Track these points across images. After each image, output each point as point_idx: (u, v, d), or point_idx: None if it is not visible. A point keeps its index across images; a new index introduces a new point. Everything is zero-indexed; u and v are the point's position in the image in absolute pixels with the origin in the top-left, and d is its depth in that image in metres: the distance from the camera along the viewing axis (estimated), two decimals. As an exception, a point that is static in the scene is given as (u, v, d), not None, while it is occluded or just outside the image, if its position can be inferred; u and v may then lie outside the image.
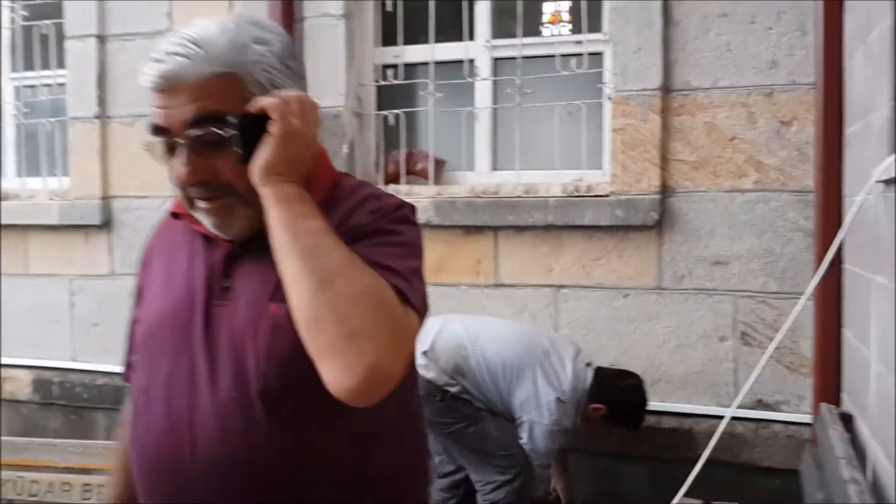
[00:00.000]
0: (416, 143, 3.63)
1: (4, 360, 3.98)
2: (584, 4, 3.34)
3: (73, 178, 3.93)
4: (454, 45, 3.52)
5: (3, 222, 4.01)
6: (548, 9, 3.55)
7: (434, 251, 3.28)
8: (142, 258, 1.28)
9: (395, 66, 3.56)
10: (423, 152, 3.58)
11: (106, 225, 3.89)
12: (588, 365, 2.89)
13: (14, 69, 4.20)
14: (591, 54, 3.30)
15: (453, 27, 3.51)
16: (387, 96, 3.63)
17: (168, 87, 1.03)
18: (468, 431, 2.86)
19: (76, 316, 4.00)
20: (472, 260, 3.36)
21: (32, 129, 4.15)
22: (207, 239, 1.14)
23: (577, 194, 3.24)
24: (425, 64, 3.53)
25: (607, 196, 3.16)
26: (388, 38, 3.61)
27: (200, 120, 1.03)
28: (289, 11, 3.48)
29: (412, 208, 1.16)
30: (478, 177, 3.53)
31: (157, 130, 1.06)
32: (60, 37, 3.97)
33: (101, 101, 3.83)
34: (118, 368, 1.31)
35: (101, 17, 3.81)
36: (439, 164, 3.57)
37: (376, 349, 0.91)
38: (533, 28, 3.49)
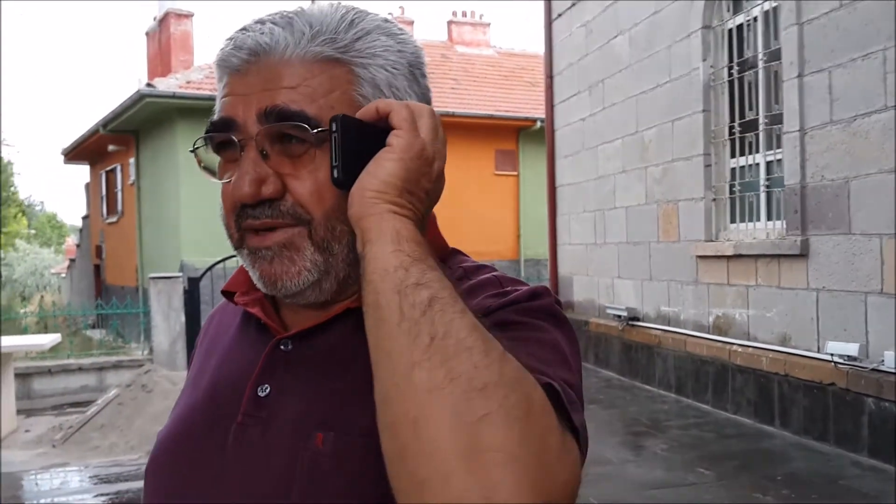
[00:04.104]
0: None
1: None
2: None
3: None
4: None
5: None
6: None
7: None
8: (195, 346, 0.97)
9: None
10: None
11: None
12: None
13: None
14: None
15: None
16: None
17: (248, 65, 0.75)
18: None
19: None
20: None
21: None
22: (262, 326, 0.82)
23: None
24: None
25: None
26: None
27: (282, 113, 0.73)
28: None
29: (556, 300, 0.78)
30: None
31: (220, 125, 0.76)
32: None
33: None
34: None
35: None
36: None
37: (517, 482, 0.54)
38: None
